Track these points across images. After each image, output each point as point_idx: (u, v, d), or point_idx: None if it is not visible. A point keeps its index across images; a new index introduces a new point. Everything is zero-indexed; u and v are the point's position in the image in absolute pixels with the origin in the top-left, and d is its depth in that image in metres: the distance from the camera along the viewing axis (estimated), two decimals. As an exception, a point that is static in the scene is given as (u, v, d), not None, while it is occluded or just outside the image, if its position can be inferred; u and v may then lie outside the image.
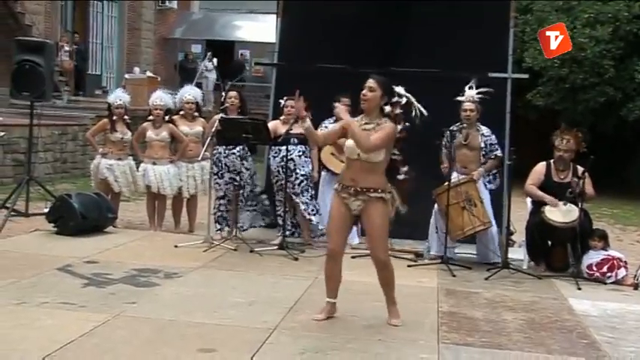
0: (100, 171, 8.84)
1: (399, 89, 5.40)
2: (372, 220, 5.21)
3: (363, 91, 5.26)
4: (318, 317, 5.36)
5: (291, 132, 7.80)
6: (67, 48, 18.46)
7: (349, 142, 5.21)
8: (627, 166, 18.07)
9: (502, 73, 8.65)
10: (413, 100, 5.47)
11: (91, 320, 5.05)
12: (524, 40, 18.15)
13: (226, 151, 8.26)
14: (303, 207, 8.06)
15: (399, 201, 5.35)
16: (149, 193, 8.89)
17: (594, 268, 7.18)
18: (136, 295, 5.79)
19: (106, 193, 8.75)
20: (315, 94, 8.44)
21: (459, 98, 7.75)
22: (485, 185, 7.83)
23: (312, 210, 8.07)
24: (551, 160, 7.55)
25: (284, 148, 7.89)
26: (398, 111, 5.34)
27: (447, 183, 7.45)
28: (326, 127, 8.06)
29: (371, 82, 5.25)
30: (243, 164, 8.19)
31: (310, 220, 8.09)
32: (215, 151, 8.32)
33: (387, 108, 5.26)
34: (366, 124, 5.24)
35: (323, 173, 8.33)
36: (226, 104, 8.40)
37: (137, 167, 8.93)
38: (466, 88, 7.78)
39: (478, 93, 7.75)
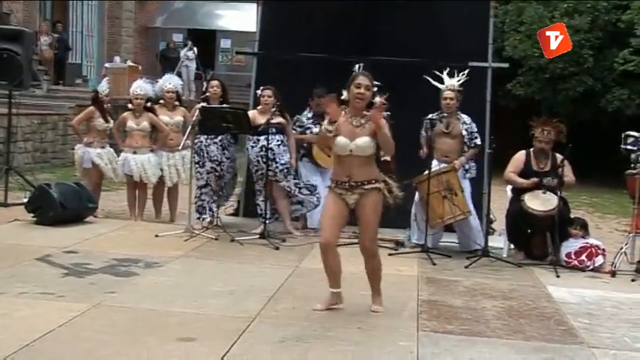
0: (87, 159, 8.78)
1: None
2: (366, 211, 5.26)
3: (360, 90, 5.22)
4: (319, 307, 5.35)
5: (272, 122, 7.79)
6: (46, 37, 18.29)
7: (340, 140, 5.23)
8: (606, 156, 18.23)
9: (482, 62, 8.67)
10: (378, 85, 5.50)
11: (70, 310, 5.02)
12: (504, 29, 18.21)
13: (208, 141, 8.23)
14: (294, 189, 8.05)
15: (395, 187, 5.38)
16: (129, 182, 8.84)
17: (573, 257, 7.22)
18: (116, 285, 5.76)
19: (96, 182, 8.71)
20: (295, 83, 8.48)
21: (440, 86, 7.73)
22: (464, 175, 7.84)
23: (304, 188, 8.08)
24: (531, 150, 7.57)
25: (262, 137, 7.89)
26: (380, 100, 5.34)
27: (427, 172, 7.45)
28: (310, 127, 8.09)
29: (366, 81, 5.25)
30: (224, 153, 8.17)
31: (303, 198, 8.11)
32: (197, 140, 8.28)
33: (376, 99, 5.28)
34: (360, 119, 5.25)
35: (304, 162, 8.33)
36: (208, 93, 8.37)
37: (117, 156, 8.88)
38: (444, 75, 7.75)
39: (459, 80, 7.73)
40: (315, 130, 8.00)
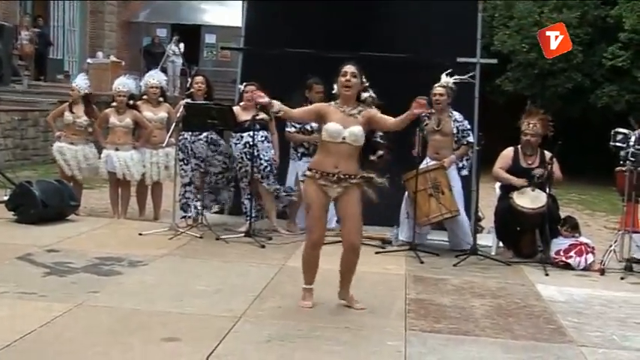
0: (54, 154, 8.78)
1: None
2: (351, 206, 5.25)
3: (347, 77, 5.25)
4: (307, 304, 5.36)
5: (257, 117, 7.77)
6: (26, 32, 18.19)
7: (332, 125, 5.20)
8: (596, 153, 18.30)
9: (471, 57, 8.68)
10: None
11: (52, 310, 5.00)
12: (493, 25, 18.24)
13: (193, 137, 8.20)
14: (269, 188, 8.04)
15: (380, 180, 5.38)
16: (112, 179, 8.81)
17: (562, 254, 7.25)
18: (99, 284, 5.74)
19: (65, 178, 8.68)
20: (282, 79, 8.44)
21: (436, 85, 7.72)
22: (459, 171, 7.84)
23: (278, 189, 8.09)
24: (519, 146, 7.59)
25: (246, 134, 7.88)
26: (370, 94, 5.34)
27: (416, 169, 7.46)
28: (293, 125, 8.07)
29: (353, 68, 5.28)
30: (210, 148, 8.14)
31: (282, 194, 8.11)
32: (181, 137, 8.26)
33: (365, 94, 5.29)
34: (351, 109, 5.26)
35: (295, 161, 8.27)
36: (192, 89, 8.36)
37: (99, 153, 8.85)
38: (443, 75, 7.76)
39: (455, 80, 7.74)
40: (315, 125, 7.88)
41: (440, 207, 7.44)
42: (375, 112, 5.32)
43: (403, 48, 8.52)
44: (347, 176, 5.22)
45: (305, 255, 5.40)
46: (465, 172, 7.95)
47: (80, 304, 5.20)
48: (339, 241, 5.55)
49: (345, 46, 8.07)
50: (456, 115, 7.84)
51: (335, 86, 5.35)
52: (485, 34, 16.37)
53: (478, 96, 8.67)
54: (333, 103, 5.35)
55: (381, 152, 5.59)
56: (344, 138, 5.19)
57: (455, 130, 7.78)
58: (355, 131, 5.20)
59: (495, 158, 7.67)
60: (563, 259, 7.22)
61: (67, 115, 8.79)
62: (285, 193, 8.14)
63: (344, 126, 5.20)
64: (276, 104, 5.37)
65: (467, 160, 7.96)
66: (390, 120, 5.31)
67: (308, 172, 5.35)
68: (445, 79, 7.74)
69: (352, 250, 5.34)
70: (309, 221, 5.37)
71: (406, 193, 7.71)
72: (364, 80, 5.35)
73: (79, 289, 5.58)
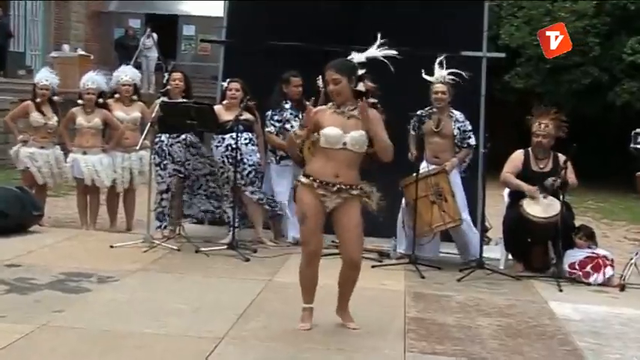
0: (21, 160, 8.74)
1: (356, 57, 5.40)
2: (351, 218, 5.24)
3: (329, 88, 5.23)
4: (305, 327, 5.34)
5: (241, 118, 7.78)
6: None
7: (331, 130, 5.16)
8: (614, 156, 18.35)
9: (476, 51, 8.71)
10: (375, 54, 5.50)
11: (13, 332, 4.98)
12: (501, 15, 18.27)
13: (170, 140, 8.21)
14: (253, 197, 8.05)
15: (374, 192, 5.37)
16: (80, 186, 8.80)
17: (576, 267, 7.27)
18: (65, 303, 5.73)
19: (29, 185, 8.66)
20: (268, 75, 8.46)
21: (429, 78, 7.77)
22: (461, 175, 7.87)
23: (261, 199, 8.10)
24: (529, 148, 7.63)
25: (228, 136, 7.89)
26: (364, 87, 5.31)
27: (415, 174, 7.48)
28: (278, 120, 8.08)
29: (332, 74, 5.22)
30: (190, 151, 8.15)
31: (266, 206, 8.12)
32: (157, 140, 8.27)
33: (360, 85, 5.26)
34: (351, 109, 5.23)
35: (273, 165, 8.30)
36: (169, 87, 8.36)
37: (65, 157, 8.84)
38: (435, 65, 7.79)
39: (450, 73, 7.76)
40: (296, 124, 7.66)
41: (443, 215, 7.46)
42: (377, 117, 5.27)
43: (401, 41, 8.52)
44: (348, 187, 5.20)
45: (302, 271, 5.38)
46: (463, 175, 7.97)
47: (44, 324, 5.19)
48: (335, 254, 5.55)
49: (338, 39, 8.09)
50: (457, 114, 7.85)
51: (322, 85, 5.35)
52: (492, 25, 16.43)
53: (484, 94, 8.70)
54: (329, 105, 5.32)
55: (371, 150, 5.53)
56: (344, 144, 5.16)
57: (456, 132, 7.80)
58: (356, 136, 5.17)
59: (503, 162, 7.70)
60: (580, 273, 7.24)
61: (36, 117, 8.75)
62: (269, 207, 8.14)
63: (344, 130, 5.17)
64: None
65: (465, 164, 7.97)
66: (380, 142, 5.25)
67: (304, 179, 5.28)
68: (439, 72, 7.75)
69: (353, 266, 5.34)
70: (305, 233, 5.31)
71: (403, 200, 7.72)
72: (354, 76, 5.25)
73: (42, 308, 5.57)
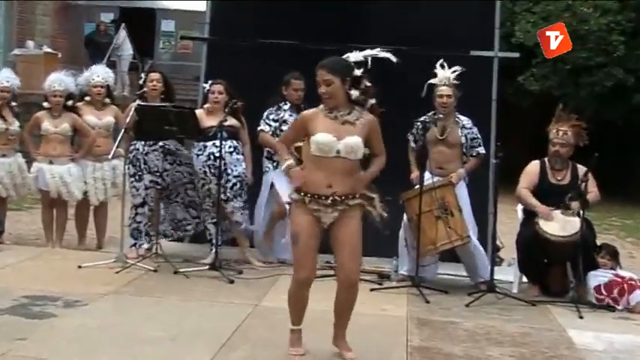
0: None
1: (352, 56, 5.40)
2: (349, 233, 5.20)
3: (320, 89, 5.20)
4: (298, 352, 5.34)
5: (225, 123, 7.77)
6: None
7: (323, 136, 5.13)
8: (640, 166, 18.36)
9: (487, 50, 8.74)
10: (374, 53, 5.50)
11: (-31, 361, 4.99)
12: (515, 11, 18.32)
13: (146, 148, 8.22)
14: (236, 215, 8.06)
15: (378, 201, 5.36)
16: (45, 199, 8.79)
17: (603, 292, 7.27)
18: (28, 330, 5.71)
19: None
20: (256, 76, 8.48)
21: (432, 81, 7.78)
22: (468, 185, 7.88)
23: (245, 217, 8.11)
24: (546, 158, 7.65)
25: (211, 143, 7.90)
26: (361, 90, 5.30)
27: (418, 186, 7.48)
28: (275, 120, 8.08)
29: (323, 75, 5.19)
30: (167, 160, 8.16)
31: (244, 227, 8.12)
32: (132, 147, 8.27)
33: (354, 92, 5.24)
34: (345, 113, 5.21)
35: (271, 172, 8.27)
36: (145, 88, 8.37)
37: (29, 167, 8.83)
38: (437, 65, 7.80)
39: (454, 72, 7.77)
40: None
41: (449, 232, 7.45)
42: (376, 126, 5.29)
43: (404, 39, 8.56)
44: (344, 198, 5.18)
45: (291, 296, 5.37)
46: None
47: (3, 354, 5.17)
48: (331, 275, 5.54)
49: (337, 37, 8.11)
50: (464, 120, 7.86)
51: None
52: (506, 21, 16.50)
53: (496, 97, 8.73)
54: (321, 107, 5.30)
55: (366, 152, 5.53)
56: (338, 152, 5.13)
57: (463, 140, 7.81)
58: (351, 143, 5.14)
59: (516, 174, 7.71)
60: (608, 299, 7.23)
61: None
62: (243, 226, 8.16)
63: (337, 136, 5.14)
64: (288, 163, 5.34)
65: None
66: (380, 148, 5.35)
67: (295, 196, 5.27)
68: (443, 73, 7.77)
69: (349, 287, 5.30)
70: (297, 255, 5.26)
71: (405, 216, 7.73)
72: (348, 77, 5.23)
73: (2, 335, 5.54)
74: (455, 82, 7.75)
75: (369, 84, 5.34)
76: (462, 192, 7.79)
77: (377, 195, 5.37)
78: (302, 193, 5.20)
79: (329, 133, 5.14)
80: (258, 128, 8.13)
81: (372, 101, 5.40)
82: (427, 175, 7.66)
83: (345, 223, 5.20)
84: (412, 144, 7.91)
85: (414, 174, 7.83)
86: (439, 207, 7.46)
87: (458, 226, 7.48)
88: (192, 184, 8.32)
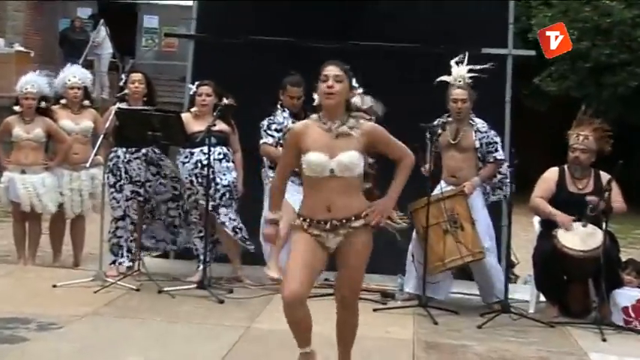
0: None
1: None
2: (354, 255, 5.15)
3: (328, 83, 5.10)
4: None
5: (214, 128, 7.76)
6: None
7: (314, 157, 5.06)
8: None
9: (500, 48, 8.75)
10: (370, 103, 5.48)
11: None
12: (531, 4, 18.34)
13: (127, 155, 8.23)
14: (228, 225, 8.05)
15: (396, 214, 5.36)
16: (17, 212, 8.79)
17: (632, 313, 7.25)
18: (-2, 355, 5.72)
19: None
20: (247, 76, 8.49)
21: (445, 78, 7.77)
22: (486, 199, 7.88)
23: (239, 228, 8.10)
24: (566, 166, 7.66)
25: (198, 150, 7.91)
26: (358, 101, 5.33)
27: (427, 196, 7.47)
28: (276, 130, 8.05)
29: (336, 70, 5.13)
30: (150, 170, 8.17)
31: (239, 241, 8.11)
32: (112, 155, 8.28)
33: (356, 99, 5.23)
34: (339, 125, 5.10)
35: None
36: (126, 90, 8.38)
37: (-1, 177, 8.87)
38: (452, 63, 7.81)
39: (471, 71, 7.77)
40: None
41: (459, 247, 7.43)
42: (380, 133, 5.21)
43: (410, 36, 8.58)
44: (345, 221, 5.10)
45: (285, 315, 5.28)
46: (495, 198, 7.96)
47: (-28, 381, 5.19)
48: (330, 294, 5.51)
49: (336, 34, 8.13)
50: (479, 123, 7.84)
51: (315, 95, 5.24)
52: (521, 16, 16.52)
53: (510, 99, 8.73)
54: (313, 117, 5.24)
55: (367, 185, 5.50)
56: (332, 171, 5.06)
57: (477, 144, 7.80)
58: (345, 161, 5.05)
59: (533, 182, 7.72)
60: (636, 321, 7.22)
61: None
62: (241, 242, 8.13)
63: (330, 154, 5.06)
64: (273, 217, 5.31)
65: (501, 181, 7.92)
66: (399, 151, 5.25)
67: (296, 221, 5.22)
68: (458, 70, 7.77)
69: (344, 307, 5.27)
70: (289, 268, 5.14)
71: (415, 230, 7.73)
72: (355, 85, 5.27)
73: (-30, 361, 5.57)
74: (469, 81, 7.75)
75: (369, 102, 5.33)
76: (477, 202, 7.77)
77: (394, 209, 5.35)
78: (302, 218, 5.16)
79: (321, 151, 5.06)
80: (261, 141, 8.01)
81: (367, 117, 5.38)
82: (442, 183, 7.68)
83: (349, 248, 5.13)
84: (428, 142, 7.77)
85: (425, 168, 7.64)
86: (448, 219, 7.44)
87: (469, 240, 7.46)
88: (175, 202, 8.33)
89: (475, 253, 7.49)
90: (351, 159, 5.06)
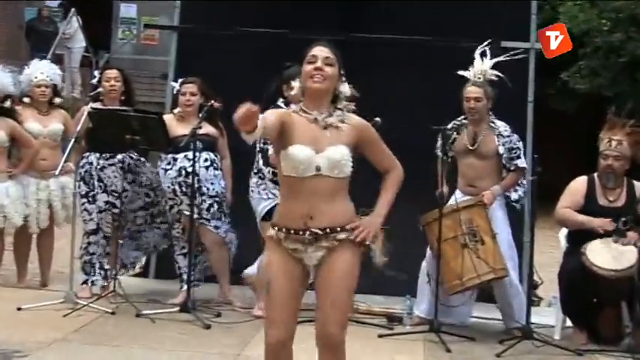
0: None
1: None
2: (338, 274, 4.82)
3: (316, 64, 4.86)
4: None
5: (199, 132, 7.76)
6: None
7: (297, 150, 4.77)
8: None
9: (522, 42, 8.77)
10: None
11: None
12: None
13: (101, 162, 8.26)
14: (215, 232, 8.09)
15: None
16: (-23, 226, 8.82)
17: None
18: (-44, 386, 5.76)
19: None
20: (236, 72, 8.52)
21: (463, 73, 7.77)
22: (508, 202, 7.88)
23: (229, 236, 8.15)
24: (595, 175, 7.68)
25: (182, 156, 7.94)
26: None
27: (443, 207, 7.47)
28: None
29: (326, 51, 4.90)
30: (127, 178, 8.18)
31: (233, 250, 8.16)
32: (84, 161, 8.30)
33: (345, 88, 5.02)
34: (327, 116, 4.88)
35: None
36: (101, 88, 8.40)
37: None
38: (476, 55, 7.83)
39: (496, 66, 7.80)
40: None
41: (480, 264, 7.41)
42: (371, 131, 5.02)
43: (421, 28, 8.61)
44: (328, 231, 4.80)
45: (266, 357, 5.01)
46: (516, 196, 7.93)
47: None
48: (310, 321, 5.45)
49: (337, 25, 8.16)
50: (501, 126, 7.83)
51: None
52: (544, 6, 16.54)
53: (533, 99, 8.76)
54: (294, 107, 5.03)
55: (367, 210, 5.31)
56: (318, 169, 4.78)
57: (501, 150, 7.77)
58: (336, 157, 4.77)
59: (558, 193, 7.73)
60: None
61: None
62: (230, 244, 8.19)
63: (316, 148, 4.79)
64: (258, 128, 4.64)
65: (521, 189, 7.95)
66: (388, 159, 5.03)
67: (270, 232, 4.94)
68: (480, 65, 7.79)
69: (329, 348, 4.91)
70: (269, 308, 4.91)
71: (428, 245, 7.73)
72: (341, 70, 4.97)
73: None
74: (492, 77, 7.77)
75: (347, 92, 5.12)
76: (498, 213, 7.78)
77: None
78: (277, 228, 4.88)
79: (306, 144, 4.79)
80: (269, 151, 7.92)
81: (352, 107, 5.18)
82: (458, 194, 7.71)
83: (331, 265, 4.82)
84: (439, 153, 7.81)
85: (440, 189, 7.68)
86: (467, 232, 7.43)
87: (489, 255, 7.42)
88: (145, 210, 8.40)
89: (497, 270, 7.45)
90: (342, 154, 4.80)
